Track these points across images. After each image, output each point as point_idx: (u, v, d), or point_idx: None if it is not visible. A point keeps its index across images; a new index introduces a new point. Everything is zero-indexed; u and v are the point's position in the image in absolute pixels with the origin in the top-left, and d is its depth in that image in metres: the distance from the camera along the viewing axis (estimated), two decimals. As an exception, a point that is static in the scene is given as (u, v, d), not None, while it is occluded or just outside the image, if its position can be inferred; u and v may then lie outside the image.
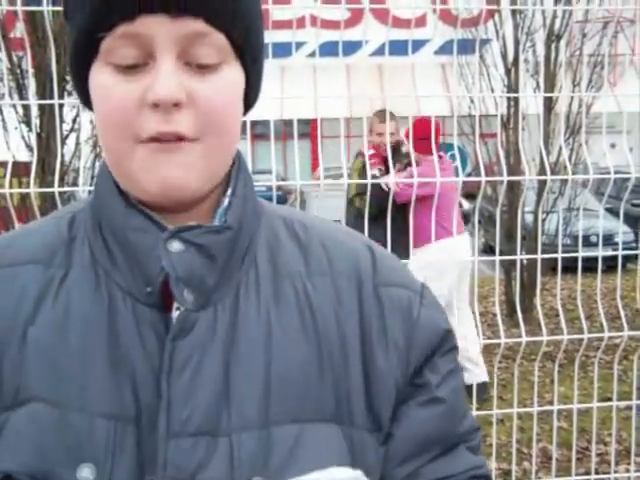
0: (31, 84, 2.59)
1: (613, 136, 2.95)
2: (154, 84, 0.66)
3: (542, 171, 4.36)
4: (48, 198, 2.92)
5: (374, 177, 4.02)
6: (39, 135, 3.74)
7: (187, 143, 0.68)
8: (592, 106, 5.16)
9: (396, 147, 4.74)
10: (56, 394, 0.69)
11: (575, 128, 6.08)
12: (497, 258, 2.96)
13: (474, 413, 2.29)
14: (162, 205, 0.71)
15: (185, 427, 0.68)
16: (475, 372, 4.63)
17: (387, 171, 2.76)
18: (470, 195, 6.31)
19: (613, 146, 2.73)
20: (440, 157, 4.30)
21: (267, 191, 2.59)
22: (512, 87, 6.33)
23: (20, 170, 4.45)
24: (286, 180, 11.97)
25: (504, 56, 6.53)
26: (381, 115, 4.88)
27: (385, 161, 2.59)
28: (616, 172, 2.69)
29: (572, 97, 5.88)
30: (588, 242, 6.19)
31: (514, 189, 6.02)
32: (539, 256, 2.81)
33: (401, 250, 2.78)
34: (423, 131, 4.04)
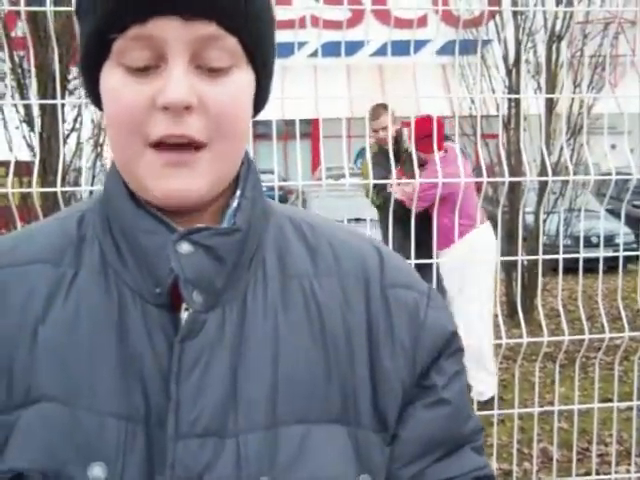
0: (33, 84, 2.59)
1: (614, 137, 2.95)
2: (165, 88, 0.66)
3: (543, 172, 4.36)
4: (49, 197, 2.93)
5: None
6: (40, 135, 3.75)
7: (196, 153, 0.68)
8: (593, 107, 5.16)
9: (397, 138, 4.74)
10: (66, 393, 0.69)
11: (576, 129, 6.09)
12: (498, 259, 2.97)
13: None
14: (171, 209, 0.71)
15: (193, 428, 0.68)
16: (490, 384, 4.33)
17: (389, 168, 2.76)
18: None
19: (614, 147, 2.73)
20: (446, 151, 4.29)
21: (268, 191, 2.59)
22: (513, 88, 6.33)
23: (21, 169, 4.46)
24: (287, 180, 11.98)
25: (505, 57, 6.53)
26: (380, 109, 4.87)
27: (387, 156, 2.58)
28: (617, 173, 2.69)
29: (573, 98, 5.89)
30: (589, 243, 6.20)
31: (515, 190, 6.02)
32: (540, 257, 2.81)
33: (424, 251, 2.80)
34: (425, 129, 3.97)
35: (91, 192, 3.00)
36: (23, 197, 3.00)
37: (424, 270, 1.68)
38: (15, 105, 4.32)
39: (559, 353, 2.84)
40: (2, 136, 4.29)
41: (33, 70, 2.44)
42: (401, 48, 3.08)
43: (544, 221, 5.18)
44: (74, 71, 4.27)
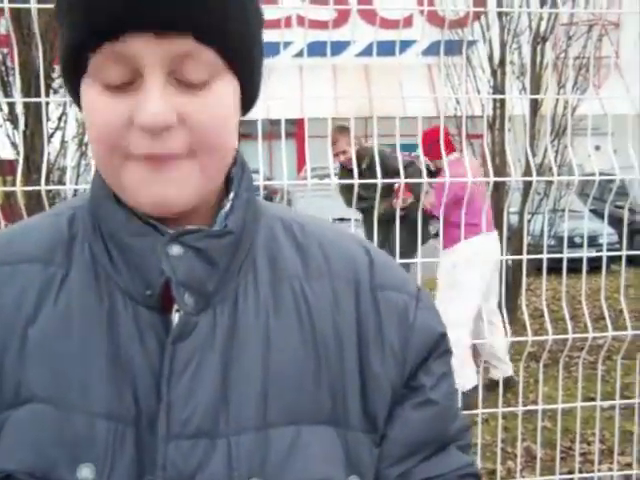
0: (17, 81, 2.57)
1: (598, 138, 2.97)
2: (142, 107, 0.64)
3: (527, 172, 4.38)
4: (33, 196, 2.91)
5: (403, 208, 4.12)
6: (24, 133, 3.72)
7: (178, 160, 0.67)
8: (577, 108, 5.19)
9: (359, 158, 4.84)
10: (56, 394, 0.69)
11: (560, 130, 6.12)
12: (483, 258, 2.98)
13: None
14: (156, 215, 0.71)
15: (184, 429, 0.68)
16: (502, 368, 4.85)
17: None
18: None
19: (598, 148, 2.74)
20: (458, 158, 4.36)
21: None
22: (498, 88, 6.35)
23: (4, 168, 4.43)
24: (272, 180, 11.96)
25: (490, 58, 6.55)
26: (336, 134, 5.00)
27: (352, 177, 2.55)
28: (600, 174, 2.71)
29: (557, 99, 5.91)
30: (572, 243, 6.23)
31: (499, 190, 6.04)
32: (524, 257, 2.82)
33: (409, 248, 2.82)
34: (431, 137, 4.16)
35: (75, 191, 2.98)
36: (6, 196, 2.98)
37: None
38: (-2, 103, 4.30)
39: (543, 353, 2.86)
40: (-15, 135, 4.26)
41: (17, 68, 2.42)
42: (387, 48, 3.08)
43: (528, 221, 5.20)
44: (58, 69, 4.24)
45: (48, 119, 2.62)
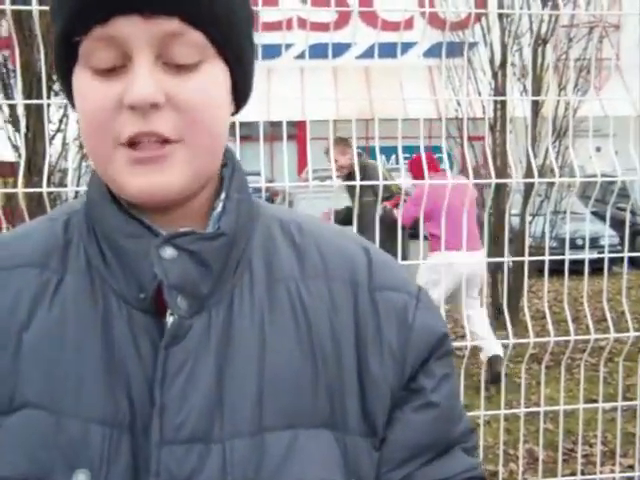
0: (18, 83, 2.57)
1: (598, 140, 2.97)
2: (130, 86, 0.65)
3: (528, 174, 4.38)
4: (34, 198, 2.90)
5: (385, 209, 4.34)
6: (25, 135, 3.72)
7: (169, 147, 0.67)
8: (578, 110, 5.20)
9: (352, 174, 4.99)
10: (51, 400, 0.69)
11: (561, 131, 6.12)
12: (484, 260, 2.97)
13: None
14: (151, 206, 0.70)
15: (178, 434, 0.67)
16: (486, 347, 4.96)
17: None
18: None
19: (598, 150, 2.74)
20: (441, 170, 4.48)
21: (254, 192, 2.58)
22: (499, 90, 6.36)
23: (5, 170, 4.43)
24: (273, 182, 11.96)
25: (491, 60, 6.56)
26: (342, 143, 5.18)
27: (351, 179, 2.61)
28: (602, 176, 2.71)
29: (558, 101, 5.92)
30: (574, 245, 6.22)
31: (500, 192, 6.05)
32: (526, 258, 2.82)
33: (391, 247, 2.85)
34: (417, 161, 4.43)
35: (77, 193, 2.98)
36: (8, 198, 2.98)
37: None
38: (0, 105, 4.30)
39: (544, 354, 2.85)
40: (-14, 137, 4.26)
41: (18, 70, 2.42)
42: (388, 50, 3.08)
43: (529, 223, 5.21)
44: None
45: (49, 121, 2.62)
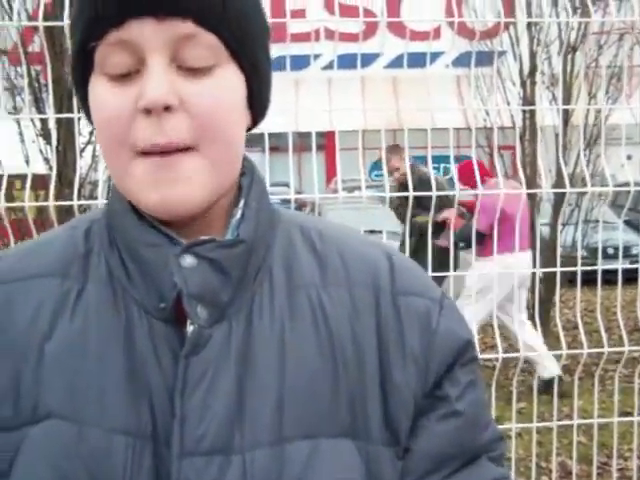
0: (50, 98, 2.60)
1: (630, 147, 2.93)
2: (144, 89, 0.65)
3: (559, 183, 4.33)
4: (65, 210, 2.94)
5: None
6: (57, 148, 3.77)
7: (185, 155, 0.67)
8: (609, 118, 5.14)
9: (414, 172, 4.96)
10: (74, 410, 0.69)
11: (592, 140, 6.05)
12: (515, 271, 2.94)
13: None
14: (166, 219, 0.70)
15: (199, 445, 0.67)
16: (547, 366, 4.86)
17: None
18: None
19: (630, 158, 2.71)
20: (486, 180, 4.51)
21: (282, 204, 2.59)
22: (528, 99, 6.31)
23: (37, 183, 4.49)
24: (301, 193, 11.99)
25: (520, 68, 6.51)
26: (388, 153, 5.19)
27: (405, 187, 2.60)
28: (635, 184, 2.67)
29: (588, 109, 5.85)
30: (605, 254, 6.15)
31: (531, 201, 5.99)
32: (558, 269, 2.79)
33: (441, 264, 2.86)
34: (467, 167, 4.33)
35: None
36: (39, 210, 3.01)
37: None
38: (32, 119, 4.35)
39: (577, 366, 2.81)
40: (19, 150, 4.32)
41: (50, 84, 2.45)
42: (415, 60, 3.07)
43: (560, 232, 5.15)
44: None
45: (80, 134, 2.64)
